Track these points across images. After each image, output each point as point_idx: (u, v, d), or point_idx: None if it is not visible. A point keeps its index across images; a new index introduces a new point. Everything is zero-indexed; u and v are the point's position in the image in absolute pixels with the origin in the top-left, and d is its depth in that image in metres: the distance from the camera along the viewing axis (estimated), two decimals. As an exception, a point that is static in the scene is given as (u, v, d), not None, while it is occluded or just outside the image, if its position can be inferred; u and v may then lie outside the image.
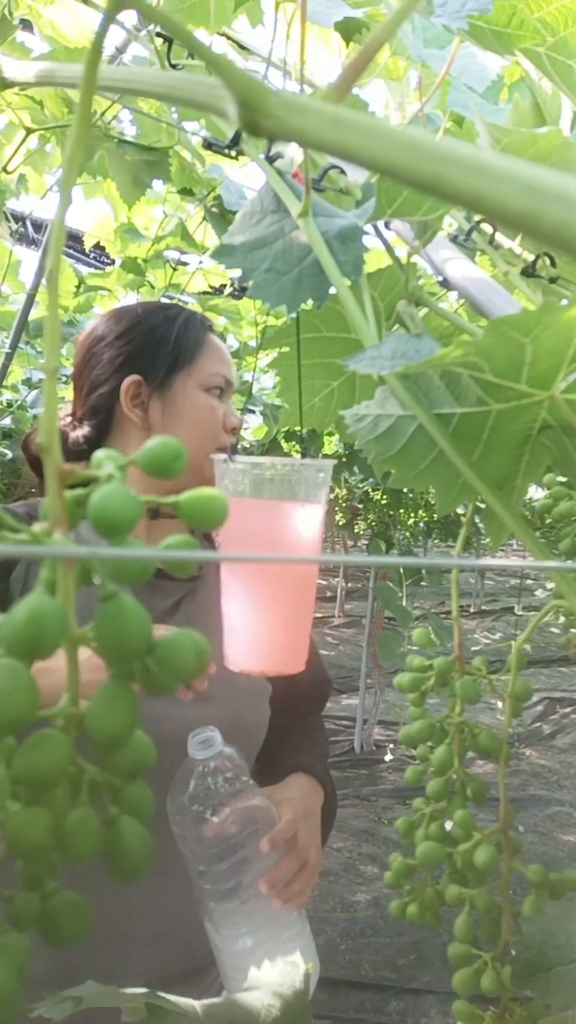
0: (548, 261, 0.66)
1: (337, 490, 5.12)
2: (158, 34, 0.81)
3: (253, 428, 3.83)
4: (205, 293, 2.17)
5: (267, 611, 0.64)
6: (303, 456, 0.66)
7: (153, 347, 0.90)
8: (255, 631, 0.64)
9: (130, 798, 0.26)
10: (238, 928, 0.76)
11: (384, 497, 4.30)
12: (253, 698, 0.95)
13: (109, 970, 0.83)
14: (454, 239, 0.68)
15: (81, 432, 0.93)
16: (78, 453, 0.93)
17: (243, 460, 0.62)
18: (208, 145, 0.74)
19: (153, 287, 2.03)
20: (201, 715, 0.84)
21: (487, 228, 0.69)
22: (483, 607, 9.26)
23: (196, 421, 0.89)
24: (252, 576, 0.64)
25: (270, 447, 3.49)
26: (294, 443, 3.48)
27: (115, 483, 0.24)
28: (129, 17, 1.00)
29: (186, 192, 1.34)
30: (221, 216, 1.36)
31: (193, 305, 2.25)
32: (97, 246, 2.06)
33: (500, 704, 0.55)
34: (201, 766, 0.77)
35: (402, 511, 4.50)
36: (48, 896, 0.25)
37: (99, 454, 0.26)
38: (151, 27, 0.83)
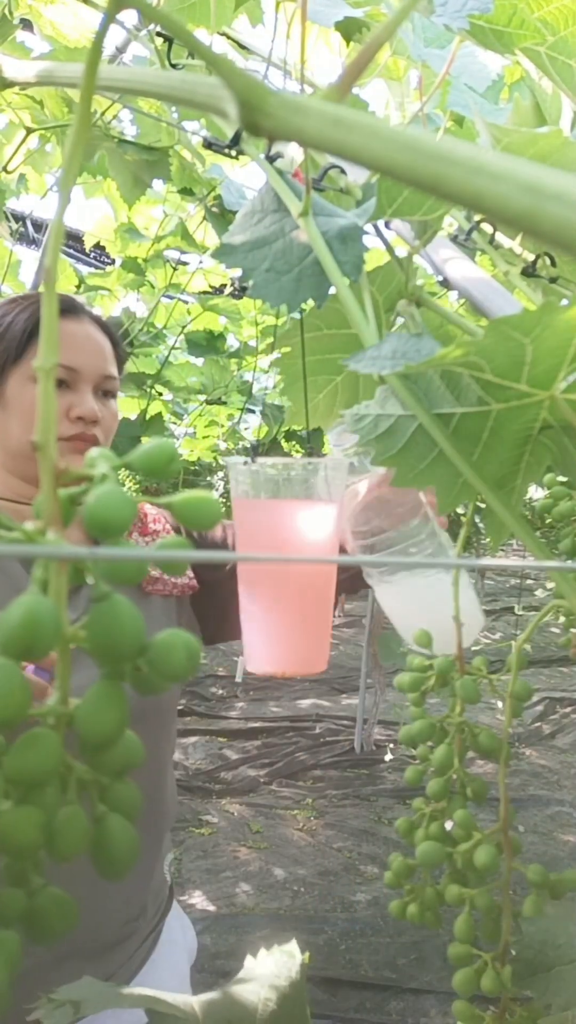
0: (548, 261, 0.66)
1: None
2: (158, 34, 0.81)
3: (253, 428, 3.83)
4: (205, 293, 2.17)
5: (285, 612, 0.64)
6: (309, 454, 0.65)
7: None
8: (274, 633, 0.64)
9: (118, 796, 0.26)
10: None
11: (384, 497, 4.29)
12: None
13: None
14: (454, 239, 0.68)
15: None
16: None
17: (261, 461, 0.61)
18: (208, 145, 0.74)
19: (153, 287, 2.03)
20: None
21: (487, 228, 0.69)
22: (483, 607, 9.24)
23: (23, 414, 0.87)
24: (270, 578, 0.63)
25: (270, 447, 3.49)
26: (294, 443, 3.48)
27: (109, 483, 0.24)
28: (129, 17, 1.00)
29: (186, 192, 1.34)
30: (221, 216, 1.36)
31: (193, 305, 2.25)
32: (97, 246, 2.06)
33: (500, 704, 0.55)
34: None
35: (402, 511, 4.48)
36: (34, 893, 0.25)
37: (93, 452, 0.26)
38: (151, 27, 0.83)
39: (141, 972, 0.91)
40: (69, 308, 0.92)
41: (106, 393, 0.92)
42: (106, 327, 0.95)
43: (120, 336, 0.99)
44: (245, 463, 0.62)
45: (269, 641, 0.64)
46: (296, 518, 0.63)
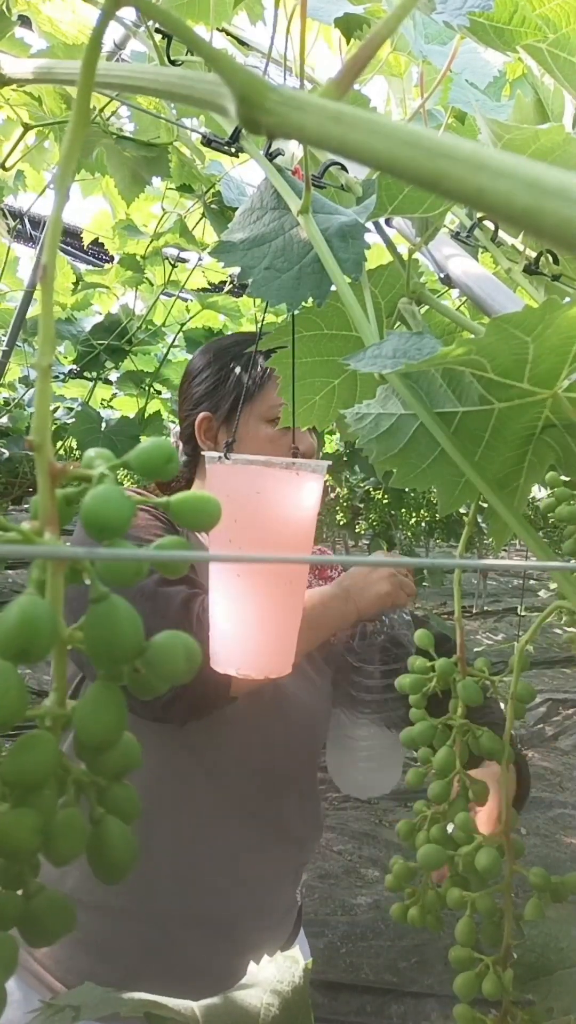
0: (551, 258, 0.66)
1: (338, 489, 5.11)
2: (157, 30, 0.80)
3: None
4: (204, 290, 2.16)
5: (255, 608, 0.63)
6: (294, 455, 0.66)
7: (220, 384, 0.98)
8: (242, 630, 0.62)
9: (115, 799, 0.26)
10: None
11: (385, 497, 4.29)
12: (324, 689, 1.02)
13: (211, 939, 0.86)
14: (456, 236, 0.67)
15: (181, 459, 1.03)
16: (178, 478, 1.03)
17: (236, 457, 0.62)
18: (207, 142, 0.74)
19: (152, 284, 2.02)
20: (307, 705, 0.92)
21: (489, 225, 0.68)
22: (485, 608, 9.21)
23: (256, 453, 0.93)
24: (240, 569, 0.62)
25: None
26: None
27: (107, 483, 0.24)
28: (128, 13, 1.00)
29: (185, 188, 1.34)
30: (220, 213, 1.35)
31: (192, 302, 2.24)
32: (95, 243, 2.05)
33: (503, 705, 0.55)
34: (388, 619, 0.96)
35: (404, 511, 4.50)
36: (31, 895, 0.25)
37: (91, 453, 0.26)
38: (150, 23, 0.82)
39: None
40: None
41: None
42: None
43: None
44: (219, 459, 0.62)
45: (235, 636, 0.62)
46: (279, 486, 0.61)
